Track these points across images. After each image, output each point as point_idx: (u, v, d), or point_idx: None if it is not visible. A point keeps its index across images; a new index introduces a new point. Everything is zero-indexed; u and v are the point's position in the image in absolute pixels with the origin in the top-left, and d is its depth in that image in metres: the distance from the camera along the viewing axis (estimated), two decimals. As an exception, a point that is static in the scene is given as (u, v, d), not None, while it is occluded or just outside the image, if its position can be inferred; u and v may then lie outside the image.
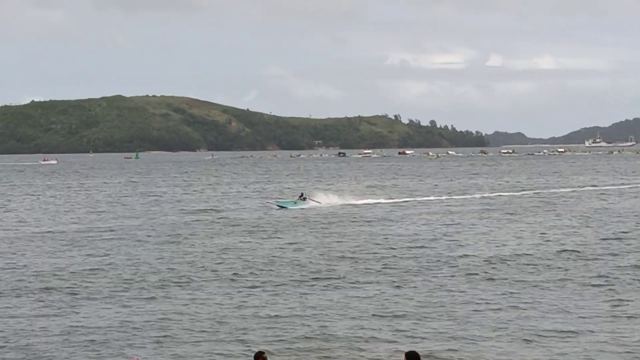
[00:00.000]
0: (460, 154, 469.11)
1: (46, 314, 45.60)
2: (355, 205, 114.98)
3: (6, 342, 39.66)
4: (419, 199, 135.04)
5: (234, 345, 37.57)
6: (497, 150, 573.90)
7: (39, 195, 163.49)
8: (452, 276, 54.95)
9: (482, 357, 33.39)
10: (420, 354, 28.36)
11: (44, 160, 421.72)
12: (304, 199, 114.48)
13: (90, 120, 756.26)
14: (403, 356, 21.33)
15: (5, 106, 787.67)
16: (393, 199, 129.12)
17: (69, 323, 42.96)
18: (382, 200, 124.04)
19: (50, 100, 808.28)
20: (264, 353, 25.54)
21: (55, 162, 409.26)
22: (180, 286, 53.65)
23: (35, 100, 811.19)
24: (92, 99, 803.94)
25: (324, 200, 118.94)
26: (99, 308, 47.07)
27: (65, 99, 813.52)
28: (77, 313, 45.85)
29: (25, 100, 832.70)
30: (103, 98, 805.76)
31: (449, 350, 34.70)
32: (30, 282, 56.38)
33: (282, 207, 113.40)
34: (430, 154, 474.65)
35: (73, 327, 41.93)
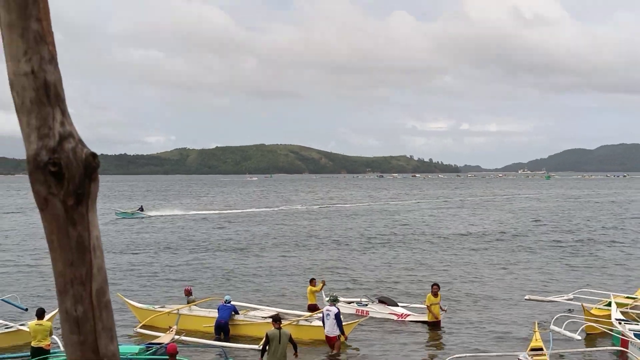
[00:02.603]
0: (445, 177, 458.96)
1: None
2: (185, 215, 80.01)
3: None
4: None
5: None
6: (465, 175, 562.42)
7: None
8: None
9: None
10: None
11: (249, 177, 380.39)
12: (141, 210, 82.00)
13: (246, 157, 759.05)
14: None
15: (202, 149, 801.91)
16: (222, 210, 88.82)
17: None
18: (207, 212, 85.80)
19: (226, 146, 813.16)
20: (314, 279, 25.06)
21: (257, 178, 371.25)
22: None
23: (218, 146, 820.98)
24: (247, 145, 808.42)
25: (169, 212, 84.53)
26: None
27: (234, 145, 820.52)
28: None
29: (213, 145, 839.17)
30: (253, 145, 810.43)
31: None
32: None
33: (123, 216, 78.25)
34: (429, 176, 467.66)
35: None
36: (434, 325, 22.36)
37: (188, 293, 24.22)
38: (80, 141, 2.24)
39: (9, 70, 2.24)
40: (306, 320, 21.47)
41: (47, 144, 2.18)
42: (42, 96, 2.20)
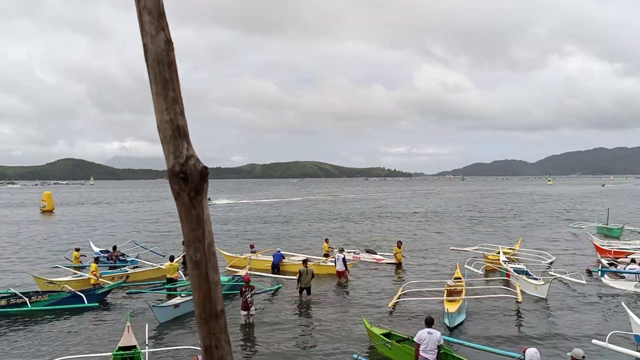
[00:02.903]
0: (403, 179, 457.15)
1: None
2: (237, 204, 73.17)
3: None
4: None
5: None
6: (415, 178, 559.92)
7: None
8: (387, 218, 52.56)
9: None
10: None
11: (292, 181, 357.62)
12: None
13: (288, 168, 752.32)
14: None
15: (264, 164, 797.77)
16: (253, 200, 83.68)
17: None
18: (244, 201, 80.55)
19: (277, 162, 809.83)
20: (328, 239, 25.19)
21: (297, 181, 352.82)
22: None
23: (273, 162, 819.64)
24: (290, 162, 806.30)
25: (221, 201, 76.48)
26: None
27: (282, 161, 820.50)
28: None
29: (270, 162, 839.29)
30: (293, 161, 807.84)
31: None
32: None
33: None
34: (394, 179, 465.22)
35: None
36: (397, 266, 22.19)
37: (252, 247, 24.31)
38: (198, 159, 2.27)
39: (157, 119, 2.26)
40: (323, 262, 21.46)
41: (179, 161, 2.21)
42: (176, 134, 2.23)
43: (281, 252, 22.16)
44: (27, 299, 15.34)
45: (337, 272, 19.70)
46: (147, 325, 12.28)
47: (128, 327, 10.94)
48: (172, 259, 18.58)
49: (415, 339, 9.74)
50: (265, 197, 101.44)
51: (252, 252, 23.49)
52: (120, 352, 10.17)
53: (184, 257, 21.37)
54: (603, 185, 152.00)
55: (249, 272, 19.68)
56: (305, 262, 17.48)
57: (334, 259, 20.37)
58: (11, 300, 15.34)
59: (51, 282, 17.70)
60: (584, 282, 17.86)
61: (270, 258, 22.00)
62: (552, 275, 18.54)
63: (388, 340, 11.12)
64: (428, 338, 9.54)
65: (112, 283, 17.84)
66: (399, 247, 22.65)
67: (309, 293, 16.72)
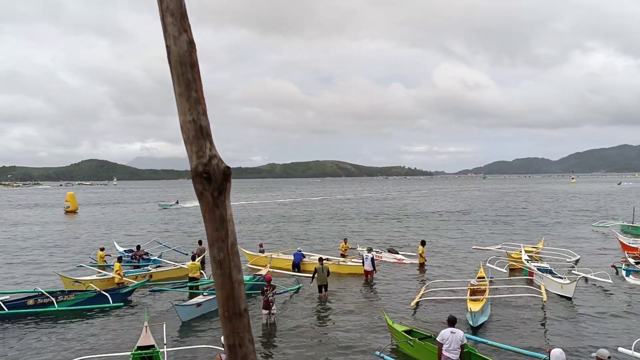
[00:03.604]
0: (423, 178, 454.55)
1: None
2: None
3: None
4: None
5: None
6: (435, 177, 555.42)
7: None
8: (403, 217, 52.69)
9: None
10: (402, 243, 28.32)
11: (318, 180, 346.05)
12: (177, 203, 66.95)
13: (308, 168, 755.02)
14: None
15: (284, 164, 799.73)
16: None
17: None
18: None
19: (297, 161, 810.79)
20: (346, 238, 25.08)
21: (320, 180, 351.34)
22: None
23: (293, 161, 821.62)
24: (310, 161, 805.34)
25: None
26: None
27: (302, 161, 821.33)
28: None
29: (290, 161, 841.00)
30: (313, 161, 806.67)
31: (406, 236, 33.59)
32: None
33: (164, 207, 64.14)
34: (415, 178, 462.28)
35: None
36: (421, 265, 22.01)
37: (260, 246, 24.39)
38: (220, 159, 2.27)
39: (180, 120, 2.27)
40: (343, 262, 21.52)
41: (202, 161, 2.22)
42: (198, 134, 2.24)
43: (302, 252, 22.20)
44: (53, 299, 15.58)
45: (365, 271, 19.69)
46: (164, 324, 12.36)
47: (146, 326, 11.03)
48: (194, 258, 18.74)
49: (438, 339, 9.63)
50: (284, 196, 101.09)
51: (259, 252, 23.54)
52: (139, 351, 10.25)
53: (203, 256, 21.53)
54: (619, 184, 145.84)
55: (270, 270, 19.74)
56: (320, 260, 17.67)
57: (361, 259, 20.40)
58: (38, 300, 15.59)
59: (77, 281, 17.99)
60: (609, 281, 17.48)
61: (292, 257, 22.05)
62: (578, 274, 18.21)
63: (410, 337, 11.03)
64: (451, 337, 9.41)
65: (135, 282, 18.04)
66: (423, 247, 22.48)
67: (326, 290, 17.02)
